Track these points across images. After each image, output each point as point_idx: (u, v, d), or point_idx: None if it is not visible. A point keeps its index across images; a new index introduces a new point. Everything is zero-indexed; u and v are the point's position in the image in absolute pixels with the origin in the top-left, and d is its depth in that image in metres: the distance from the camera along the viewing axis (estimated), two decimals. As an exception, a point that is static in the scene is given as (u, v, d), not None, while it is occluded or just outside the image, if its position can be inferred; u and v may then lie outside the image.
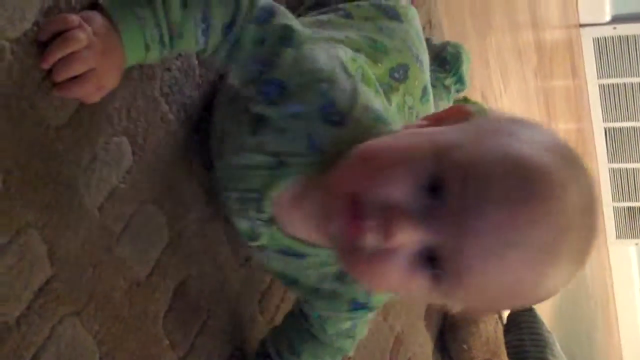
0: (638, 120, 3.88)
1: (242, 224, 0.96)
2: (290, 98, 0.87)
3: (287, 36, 0.87)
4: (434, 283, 0.76)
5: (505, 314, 2.16)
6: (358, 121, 0.87)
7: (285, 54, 0.87)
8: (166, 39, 0.83)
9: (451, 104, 1.41)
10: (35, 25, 0.77)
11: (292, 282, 1.02)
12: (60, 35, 0.76)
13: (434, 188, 0.73)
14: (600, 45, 3.78)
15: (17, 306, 0.76)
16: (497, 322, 1.92)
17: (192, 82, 1.00)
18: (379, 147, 0.81)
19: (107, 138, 0.87)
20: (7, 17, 0.74)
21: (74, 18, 0.77)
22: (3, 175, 0.74)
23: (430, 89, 1.05)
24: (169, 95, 0.96)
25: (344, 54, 0.92)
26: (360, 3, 1.09)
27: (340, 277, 0.98)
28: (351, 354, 1.12)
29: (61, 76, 0.78)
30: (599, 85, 3.87)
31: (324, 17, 1.04)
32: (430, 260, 0.75)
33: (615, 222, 4.20)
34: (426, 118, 0.86)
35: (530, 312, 2.11)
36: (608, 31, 3.73)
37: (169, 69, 0.96)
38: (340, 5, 1.08)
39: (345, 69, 0.89)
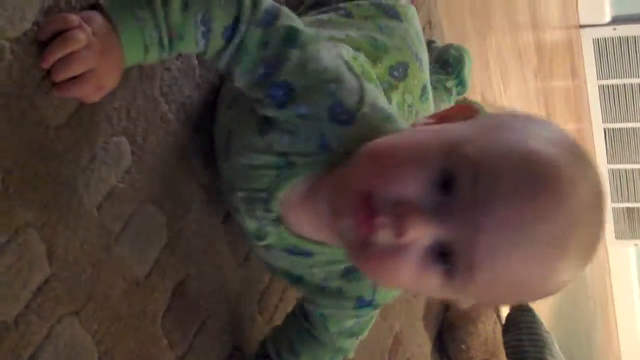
0: (637, 121, 3.88)
1: (250, 224, 0.97)
2: (297, 100, 0.87)
3: (291, 37, 0.87)
4: (446, 278, 0.77)
5: (504, 314, 2.16)
6: (366, 120, 0.87)
7: (291, 55, 0.87)
8: (165, 41, 0.83)
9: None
10: (35, 25, 0.77)
11: (297, 280, 1.02)
12: (60, 35, 0.77)
13: (445, 183, 0.74)
14: (600, 46, 3.78)
15: (16, 305, 0.76)
16: (495, 322, 1.92)
17: (192, 82, 1.01)
18: (389, 144, 0.82)
19: (107, 138, 0.87)
20: (7, 17, 0.74)
21: (74, 18, 0.78)
22: (2, 174, 0.74)
23: (429, 88, 1.05)
24: (169, 95, 0.96)
25: (346, 52, 0.92)
26: (360, 2, 1.10)
27: (346, 275, 0.98)
28: (351, 355, 1.12)
29: (60, 76, 0.78)
30: (598, 86, 3.87)
31: (324, 17, 1.05)
32: (442, 256, 0.76)
33: (615, 223, 4.20)
34: (432, 116, 0.87)
35: (529, 312, 2.11)
36: (608, 32, 3.73)
37: (168, 69, 0.96)
38: (341, 5, 1.08)
39: (350, 68, 0.90)
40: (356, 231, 0.78)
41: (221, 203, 1.06)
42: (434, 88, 1.35)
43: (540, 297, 0.81)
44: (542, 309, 2.43)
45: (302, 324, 1.07)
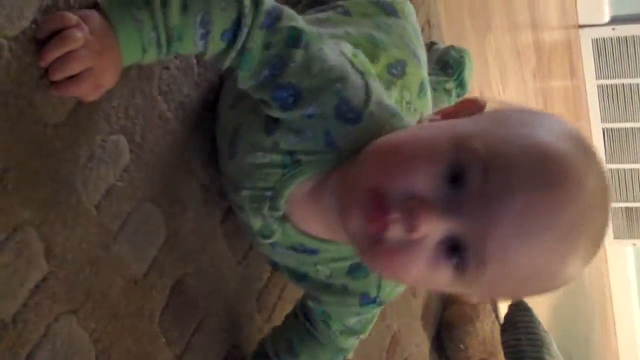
0: (636, 121, 3.88)
1: (255, 222, 0.97)
2: (304, 101, 0.88)
3: (294, 37, 0.87)
4: (457, 272, 0.78)
5: (503, 313, 2.16)
6: (372, 117, 0.88)
7: (295, 55, 0.87)
8: (163, 42, 0.83)
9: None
10: (34, 23, 0.77)
11: (301, 278, 1.03)
12: (58, 33, 0.77)
13: (454, 178, 0.75)
14: (599, 46, 3.78)
15: (13, 303, 0.76)
16: (494, 322, 1.92)
17: (190, 81, 1.01)
18: (398, 141, 0.83)
19: (105, 136, 0.87)
20: (6, 15, 0.74)
21: (72, 17, 0.77)
22: (0, 172, 0.74)
23: (427, 85, 1.05)
24: (167, 93, 0.96)
25: (348, 50, 0.92)
26: (358, 0, 1.10)
27: (351, 272, 0.99)
28: (350, 356, 1.12)
29: (58, 75, 0.78)
30: (597, 86, 3.87)
31: (322, 15, 1.05)
32: (453, 250, 0.76)
33: (613, 222, 4.20)
34: (438, 112, 0.88)
35: (527, 312, 2.11)
36: (607, 32, 3.73)
37: (167, 68, 0.96)
38: (339, 2, 1.08)
39: (353, 65, 0.90)
40: (367, 228, 0.78)
41: (220, 201, 1.06)
42: (434, 89, 1.35)
43: (549, 290, 0.82)
44: (541, 308, 2.43)
45: (302, 324, 1.08)
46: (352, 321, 1.05)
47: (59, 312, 0.81)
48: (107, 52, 0.80)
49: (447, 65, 1.43)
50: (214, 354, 1.05)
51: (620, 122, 3.87)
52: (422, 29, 1.71)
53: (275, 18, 0.87)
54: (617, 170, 4.04)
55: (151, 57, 0.84)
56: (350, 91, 0.88)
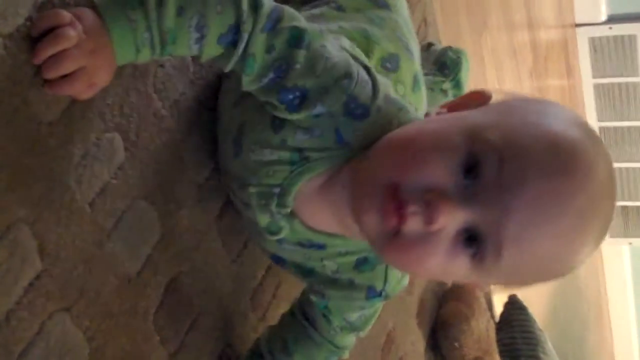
0: (633, 120, 3.88)
1: (262, 219, 0.97)
2: (311, 102, 0.88)
3: (296, 38, 0.87)
4: (475, 262, 0.79)
5: (498, 312, 2.16)
6: (380, 111, 0.89)
7: (298, 56, 0.87)
8: (157, 43, 0.82)
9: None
10: (28, 20, 0.77)
11: (307, 273, 1.03)
12: (52, 31, 0.76)
13: (470, 169, 0.77)
14: (596, 45, 3.78)
15: (7, 301, 0.76)
16: (489, 320, 1.92)
17: (186, 79, 1.00)
18: (410, 134, 0.84)
19: (99, 134, 0.86)
20: (0, 12, 0.74)
21: (65, 15, 0.77)
22: (-6, 170, 0.74)
23: (421, 79, 1.06)
24: (162, 91, 0.96)
25: (347, 44, 0.93)
26: None
27: (358, 266, 0.99)
28: (347, 355, 1.11)
29: (51, 74, 0.78)
30: (594, 85, 3.87)
31: (316, 11, 1.04)
32: (470, 240, 0.78)
33: (609, 221, 4.20)
34: (444, 105, 0.89)
35: (522, 310, 2.11)
36: (604, 31, 3.73)
37: (162, 66, 0.96)
38: None
39: (357, 59, 0.90)
40: (385, 223, 0.79)
41: (215, 200, 1.06)
42: (431, 89, 1.35)
43: (561, 275, 0.84)
44: (536, 307, 2.43)
45: (299, 323, 1.07)
46: (354, 316, 1.05)
47: (52, 310, 0.81)
48: (101, 51, 0.79)
49: (444, 66, 1.43)
50: (208, 352, 1.05)
51: (616, 121, 3.88)
52: (418, 28, 1.71)
53: (276, 20, 0.86)
54: (614, 169, 4.04)
55: (145, 57, 0.83)
56: (358, 87, 0.88)
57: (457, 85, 1.42)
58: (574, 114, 0.84)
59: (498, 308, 2.18)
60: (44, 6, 0.79)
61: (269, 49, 0.86)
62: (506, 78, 2.55)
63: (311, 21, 0.93)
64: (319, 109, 0.88)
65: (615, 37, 3.72)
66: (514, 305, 2.13)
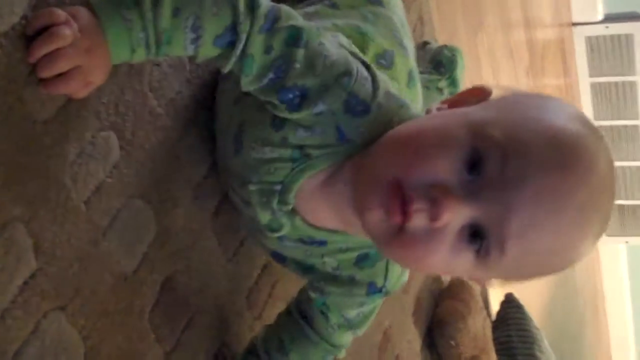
0: (629, 119, 3.88)
1: (263, 216, 0.97)
2: (311, 101, 0.88)
3: (294, 37, 0.87)
4: (479, 258, 0.80)
5: (494, 310, 2.16)
6: (381, 108, 0.89)
7: (296, 55, 0.86)
8: (152, 44, 0.82)
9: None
10: (24, 19, 0.77)
11: (308, 270, 1.03)
12: (47, 30, 0.76)
13: (473, 164, 0.77)
14: (593, 44, 3.78)
15: (2, 300, 0.75)
16: (485, 319, 1.92)
17: (182, 78, 1.00)
18: (412, 131, 0.84)
19: (95, 132, 0.86)
20: (-5, 11, 0.74)
21: (60, 13, 0.77)
22: (-11, 169, 0.74)
23: (416, 75, 1.06)
24: (158, 90, 0.96)
25: (345, 41, 0.93)
26: None
27: (359, 262, 1.00)
28: (343, 355, 1.11)
29: (45, 73, 0.77)
30: (590, 84, 3.88)
31: (310, 9, 1.04)
32: (474, 236, 0.79)
33: (606, 220, 4.20)
34: (445, 101, 0.90)
35: (518, 308, 2.11)
36: (600, 30, 3.74)
37: (158, 65, 0.96)
38: None
39: (356, 56, 0.91)
40: (390, 220, 0.79)
41: (211, 198, 1.06)
42: (427, 88, 1.35)
43: (562, 269, 0.85)
44: (533, 305, 2.43)
45: (295, 322, 1.07)
46: (352, 313, 1.05)
47: (47, 309, 0.81)
48: (96, 50, 0.79)
49: (440, 64, 1.44)
50: (204, 351, 1.05)
51: (613, 120, 3.88)
52: (415, 27, 1.71)
53: (273, 20, 0.86)
54: (610, 167, 4.04)
55: (140, 57, 0.83)
56: (358, 84, 0.88)
57: (453, 83, 1.43)
58: (574, 109, 0.85)
59: (494, 306, 2.18)
60: (40, 5, 0.79)
61: (267, 49, 0.86)
62: (503, 77, 2.55)
63: (306, 19, 0.93)
64: (319, 107, 0.88)
65: (611, 36, 3.73)
66: (510, 303, 2.13)
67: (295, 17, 0.89)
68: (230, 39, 0.85)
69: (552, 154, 0.76)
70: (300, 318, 1.07)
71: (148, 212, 0.95)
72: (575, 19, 3.77)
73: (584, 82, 3.88)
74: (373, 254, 0.99)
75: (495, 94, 0.87)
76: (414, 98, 1.03)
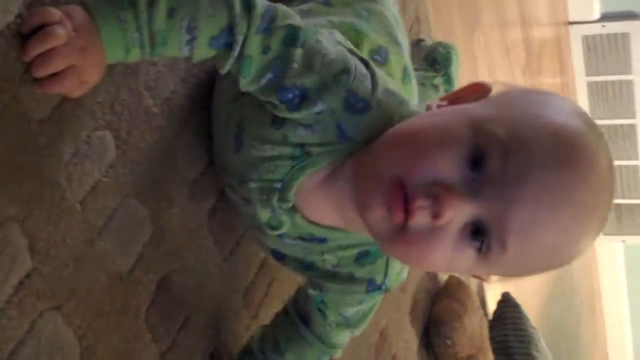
0: (626, 118, 3.89)
1: (263, 214, 0.96)
2: (311, 100, 0.87)
3: (291, 36, 0.87)
4: (481, 255, 0.80)
5: (491, 309, 2.16)
6: (381, 105, 0.89)
7: (294, 55, 0.86)
8: (146, 44, 0.82)
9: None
10: (19, 17, 0.77)
11: (307, 267, 1.03)
12: (41, 29, 0.76)
13: (475, 161, 0.77)
14: (589, 42, 3.78)
15: (-3, 300, 0.75)
16: (482, 318, 1.92)
17: (177, 77, 1.00)
18: (413, 128, 0.84)
19: (90, 132, 0.86)
20: (-10, 9, 0.74)
21: (55, 12, 0.77)
22: (-17, 168, 0.74)
23: (411, 71, 1.06)
24: (154, 89, 0.96)
25: (341, 38, 0.92)
26: None
27: (359, 259, 1.00)
28: (339, 355, 1.11)
29: (40, 72, 0.77)
30: (587, 83, 3.88)
31: (304, 7, 1.04)
32: (476, 233, 0.79)
33: (602, 219, 4.20)
34: (445, 98, 0.90)
35: (515, 308, 2.12)
36: (597, 29, 3.74)
37: (154, 64, 0.96)
38: None
39: (354, 53, 0.91)
40: (392, 218, 0.79)
41: (206, 198, 1.06)
42: (422, 85, 1.35)
43: (562, 265, 0.85)
44: (530, 305, 2.44)
45: (291, 322, 1.07)
46: (350, 311, 1.05)
47: (43, 309, 0.80)
48: (90, 50, 0.79)
49: (435, 61, 1.44)
50: (199, 350, 1.05)
51: (610, 119, 3.88)
52: (411, 26, 1.71)
53: (270, 20, 0.86)
54: (607, 167, 4.04)
55: (135, 57, 0.83)
56: (356, 81, 0.88)
57: (448, 80, 1.43)
58: (574, 105, 0.85)
59: (491, 305, 2.19)
60: (35, 3, 0.78)
61: (265, 49, 0.86)
62: (499, 76, 2.55)
63: (300, 17, 0.93)
64: (319, 106, 0.88)
65: (608, 35, 3.73)
66: (507, 302, 2.13)
67: (292, 16, 0.88)
68: (226, 40, 0.85)
69: (553, 151, 0.77)
70: (297, 318, 1.07)
71: (143, 212, 0.94)
72: (572, 18, 3.77)
73: (581, 81, 3.88)
74: (373, 250, 0.98)
75: (495, 90, 0.87)
76: (410, 94, 1.02)
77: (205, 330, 1.06)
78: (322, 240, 0.98)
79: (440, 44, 1.49)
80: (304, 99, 0.88)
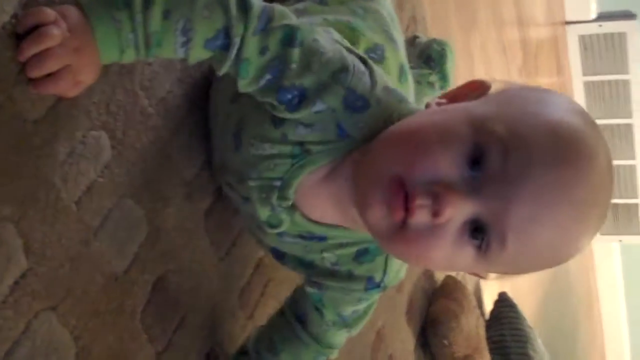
0: (623, 118, 3.89)
1: (262, 213, 0.96)
2: (310, 100, 0.87)
3: (289, 36, 0.86)
4: (480, 253, 0.80)
5: (488, 309, 2.16)
6: (381, 103, 0.89)
7: (292, 55, 0.86)
8: (141, 45, 0.82)
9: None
10: (14, 17, 0.77)
11: (307, 266, 1.03)
12: (36, 29, 0.76)
13: (475, 159, 0.77)
14: (586, 42, 3.79)
15: (-8, 300, 0.75)
16: (478, 318, 1.92)
17: (173, 77, 1.00)
18: (413, 127, 0.84)
19: (85, 132, 0.86)
20: (-15, 9, 0.74)
21: (49, 12, 0.77)
22: (-22, 168, 0.74)
23: (407, 68, 1.06)
24: (149, 89, 0.96)
25: (338, 36, 0.92)
26: None
27: (358, 257, 1.00)
28: (335, 355, 1.11)
29: (35, 73, 0.77)
30: (584, 83, 3.89)
31: (300, 6, 1.04)
32: (476, 231, 0.79)
33: (599, 218, 4.20)
34: (444, 96, 0.90)
35: (512, 307, 2.12)
36: (594, 29, 3.74)
37: (149, 64, 0.95)
38: None
39: (351, 51, 0.90)
40: (392, 216, 0.80)
41: (202, 198, 1.06)
42: (418, 82, 1.35)
43: (561, 262, 0.85)
44: (527, 304, 2.44)
45: (288, 323, 1.07)
46: (348, 311, 1.05)
47: (38, 309, 0.80)
48: (85, 50, 0.79)
49: (430, 58, 1.43)
50: (195, 351, 1.05)
51: (606, 118, 3.88)
52: (407, 25, 1.71)
53: (267, 20, 0.86)
54: (604, 166, 4.04)
55: (130, 57, 0.83)
56: (355, 79, 0.88)
57: (444, 77, 1.42)
58: (573, 103, 0.85)
59: (488, 305, 2.19)
60: (30, 3, 0.78)
61: (262, 50, 0.86)
62: (496, 76, 2.55)
63: (296, 16, 0.93)
64: (318, 106, 0.88)
65: (605, 35, 3.73)
66: (503, 302, 2.13)
67: (288, 15, 0.88)
68: (223, 42, 0.85)
69: (552, 149, 0.77)
70: (294, 318, 1.07)
71: (139, 212, 0.94)
72: (569, 18, 3.77)
73: (577, 81, 3.89)
74: (373, 248, 0.98)
75: (495, 87, 0.87)
76: (406, 92, 1.02)
77: (201, 330, 1.06)
78: (322, 239, 0.98)
79: (434, 40, 1.49)
80: (303, 99, 0.88)
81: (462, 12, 2.23)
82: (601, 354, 4.66)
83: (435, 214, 0.77)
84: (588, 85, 3.89)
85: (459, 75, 1.52)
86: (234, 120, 0.96)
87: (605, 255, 4.49)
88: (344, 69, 0.87)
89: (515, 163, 0.76)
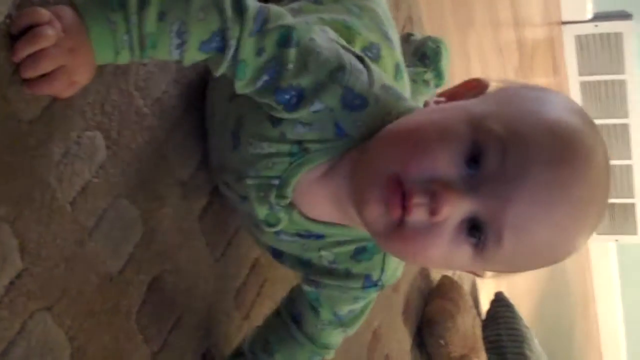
0: (619, 118, 3.90)
1: (260, 211, 0.96)
2: (308, 100, 0.87)
3: (285, 37, 0.86)
4: (477, 251, 0.80)
5: (484, 309, 2.16)
6: (379, 101, 0.89)
7: (288, 56, 0.86)
8: (136, 47, 0.82)
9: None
10: (8, 18, 0.76)
11: (304, 264, 1.03)
12: (31, 29, 0.76)
13: (473, 158, 0.77)
14: (582, 42, 3.79)
15: (-13, 301, 0.75)
16: (474, 318, 1.92)
17: (169, 77, 1.00)
18: (411, 125, 0.84)
19: (80, 132, 0.86)
20: (-21, 10, 0.74)
21: (44, 13, 0.77)
22: (-27, 169, 0.74)
23: (403, 67, 1.06)
24: (144, 89, 0.96)
25: (334, 35, 0.92)
26: None
27: (355, 256, 1.00)
28: (332, 356, 1.11)
29: (29, 73, 0.77)
30: (580, 83, 3.89)
31: (295, 5, 1.04)
32: (473, 230, 0.79)
33: (596, 218, 4.20)
34: (442, 94, 0.90)
35: (508, 307, 2.12)
36: (590, 29, 3.75)
37: (144, 64, 0.95)
38: None
39: (348, 50, 0.90)
40: (390, 214, 0.80)
41: (198, 198, 1.06)
42: (413, 81, 1.35)
43: (558, 261, 0.86)
44: (523, 304, 2.44)
45: (283, 323, 1.07)
46: (344, 310, 1.05)
47: (33, 309, 0.80)
48: (80, 50, 0.79)
49: (425, 56, 1.43)
50: (191, 351, 1.05)
51: (602, 118, 3.89)
52: (404, 25, 1.71)
53: (262, 21, 0.86)
54: (600, 166, 4.04)
55: (124, 58, 0.82)
56: (352, 77, 0.88)
57: (439, 75, 1.42)
58: (571, 101, 0.86)
59: (484, 305, 2.19)
60: (24, 4, 0.78)
61: (259, 51, 0.86)
62: (492, 76, 2.55)
63: (292, 16, 0.93)
64: (316, 105, 0.88)
65: (601, 35, 3.74)
66: (500, 302, 2.13)
67: (284, 16, 0.88)
68: (218, 44, 0.85)
69: (550, 148, 0.77)
70: (289, 318, 1.07)
71: (134, 212, 0.94)
72: (565, 18, 3.78)
73: (574, 81, 3.89)
74: (370, 246, 0.99)
75: (493, 86, 0.87)
76: (402, 90, 1.03)
77: (197, 331, 1.06)
78: (320, 237, 0.98)
79: (429, 38, 1.48)
80: (301, 99, 0.88)
81: (458, 12, 2.23)
82: (598, 353, 4.67)
83: (433, 212, 0.77)
84: (584, 86, 3.89)
85: (455, 75, 1.52)
86: (232, 119, 0.96)
87: (602, 255, 4.50)
88: (341, 67, 0.87)
89: (513, 162, 0.76)
